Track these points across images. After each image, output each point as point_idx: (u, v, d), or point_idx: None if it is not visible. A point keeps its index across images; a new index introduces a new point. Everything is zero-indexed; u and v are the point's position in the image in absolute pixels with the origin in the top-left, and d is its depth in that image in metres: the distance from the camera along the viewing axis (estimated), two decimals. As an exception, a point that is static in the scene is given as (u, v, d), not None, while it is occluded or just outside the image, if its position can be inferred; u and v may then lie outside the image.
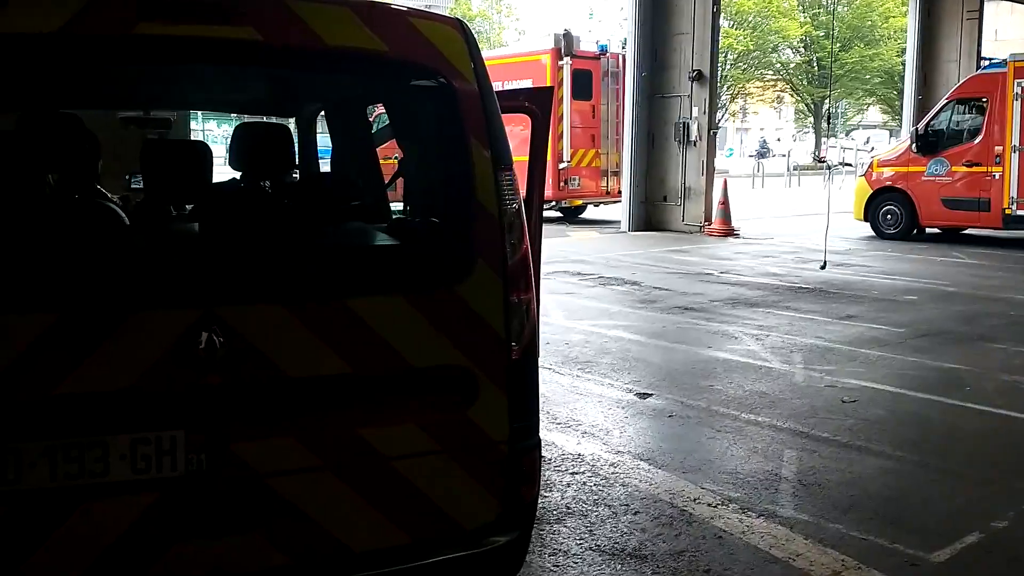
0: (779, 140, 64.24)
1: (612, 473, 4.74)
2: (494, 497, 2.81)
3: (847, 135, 55.09)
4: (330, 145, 4.95)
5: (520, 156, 3.16)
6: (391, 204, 4.54)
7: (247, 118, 5.70)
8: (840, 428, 5.52)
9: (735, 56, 50.20)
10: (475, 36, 2.89)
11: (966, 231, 16.02)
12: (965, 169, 15.09)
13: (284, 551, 2.52)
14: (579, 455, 5.01)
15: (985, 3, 21.91)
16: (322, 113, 5.15)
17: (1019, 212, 14.43)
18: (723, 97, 50.81)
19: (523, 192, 4.72)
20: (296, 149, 4.74)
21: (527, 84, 17.88)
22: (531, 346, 2.91)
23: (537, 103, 5.14)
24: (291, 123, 5.87)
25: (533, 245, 5.31)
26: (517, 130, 4.54)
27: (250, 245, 2.91)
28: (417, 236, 3.27)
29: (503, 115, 5.85)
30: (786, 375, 6.79)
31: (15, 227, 2.80)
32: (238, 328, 2.45)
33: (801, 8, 51.64)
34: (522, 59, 19.37)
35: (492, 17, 56.82)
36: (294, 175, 4.88)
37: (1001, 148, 14.59)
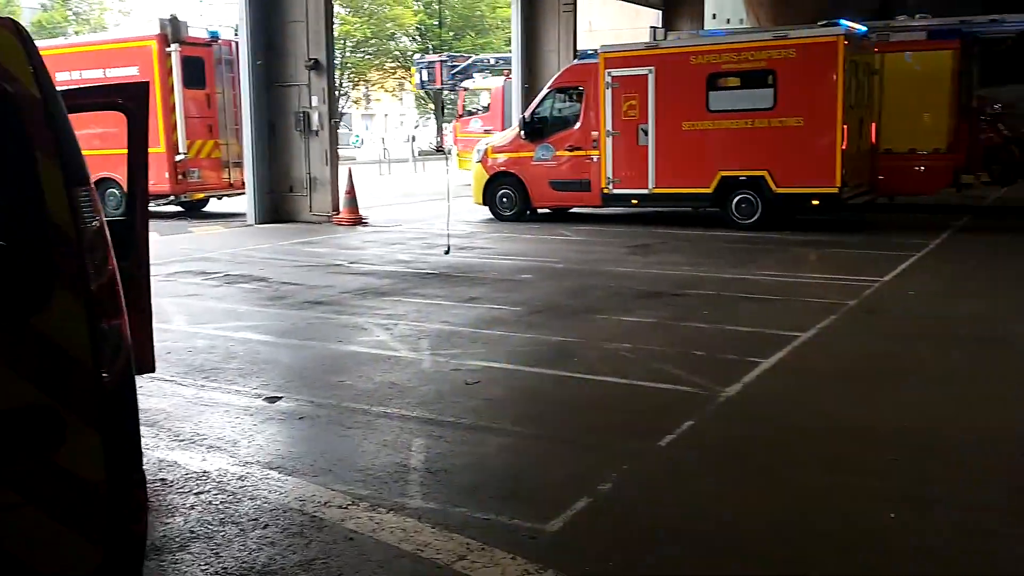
0: (402, 124, 65.81)
1: (240, 487, 4.57)
2: (96, 542, 2.59)
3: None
4: None
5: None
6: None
7: None
8: (465, 410, 5.75)
9: (354, 44, 50.56)
10: (32, 37, 2.61)
11: (572, 210, 17.39)
12: (568, 153, 16.34)
13: None
14: (204, 472, 4.78)
15: (578, -5, 23.73)
16: None
17: (615, 191, 15.87)
18: (345, 85, 51.04)
19: (126, 189, 4.36)
20: None
21: (134, 71, 16.77)
22: (126, 374, 2.70)
23: (131, 99, 4.80)
24: None
25: (142, 248, 4.96)
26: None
27: None
28: None
29: (95, 112, 5.38)
30: (414, 363, 6.96)
31: None
32: None
33: (414, -4, 53.17)
34: (127, 45, 18.07)
35: (92, -4, 52.50)
36: None
37: (597, 133, 15.96)
